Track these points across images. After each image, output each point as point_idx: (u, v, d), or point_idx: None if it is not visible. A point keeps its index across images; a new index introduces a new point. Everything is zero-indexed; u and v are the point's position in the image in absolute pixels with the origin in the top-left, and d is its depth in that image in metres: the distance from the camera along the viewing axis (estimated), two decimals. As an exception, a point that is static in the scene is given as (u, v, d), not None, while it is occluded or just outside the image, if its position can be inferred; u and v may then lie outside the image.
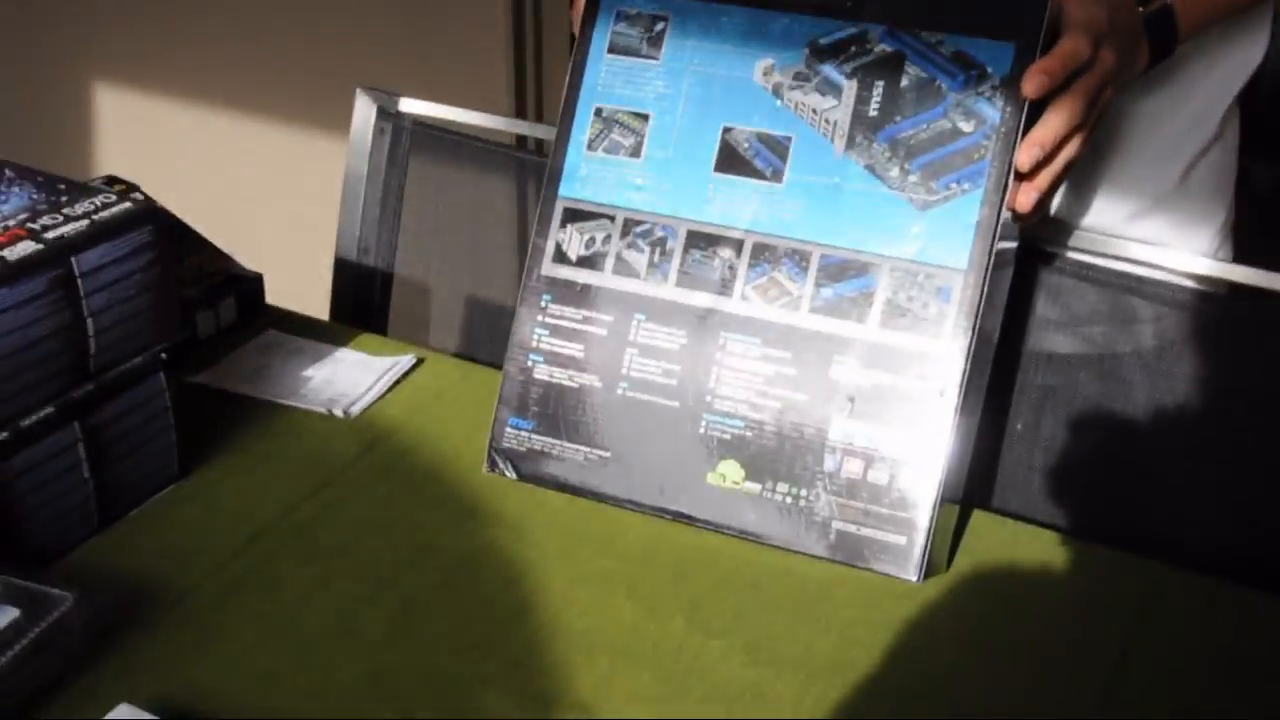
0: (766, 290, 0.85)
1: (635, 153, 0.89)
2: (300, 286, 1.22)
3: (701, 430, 0.86)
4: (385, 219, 1.21)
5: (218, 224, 1.19)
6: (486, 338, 1.22)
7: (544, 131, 1.29)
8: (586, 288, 0.90)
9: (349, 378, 1.05)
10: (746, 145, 0.87)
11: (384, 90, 1.20)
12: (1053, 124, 0.80)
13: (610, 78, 0.90)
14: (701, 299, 0.87)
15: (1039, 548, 0.88)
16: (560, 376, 0.90)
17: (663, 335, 0.87)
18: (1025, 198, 0.81)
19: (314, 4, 2.02)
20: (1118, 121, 0.95)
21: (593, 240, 0.89)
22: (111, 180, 1.11)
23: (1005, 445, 1.00)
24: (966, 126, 0.82)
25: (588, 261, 0.90)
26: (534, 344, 0.91)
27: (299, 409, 1.01)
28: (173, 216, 1.10)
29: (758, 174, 0.86)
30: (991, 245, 0.81)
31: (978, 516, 0.90)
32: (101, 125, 2.30)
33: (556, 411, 0.90)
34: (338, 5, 2.00)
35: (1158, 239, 0.98)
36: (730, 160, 0.87)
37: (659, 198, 0.89)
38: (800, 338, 0.85)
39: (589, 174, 0.91)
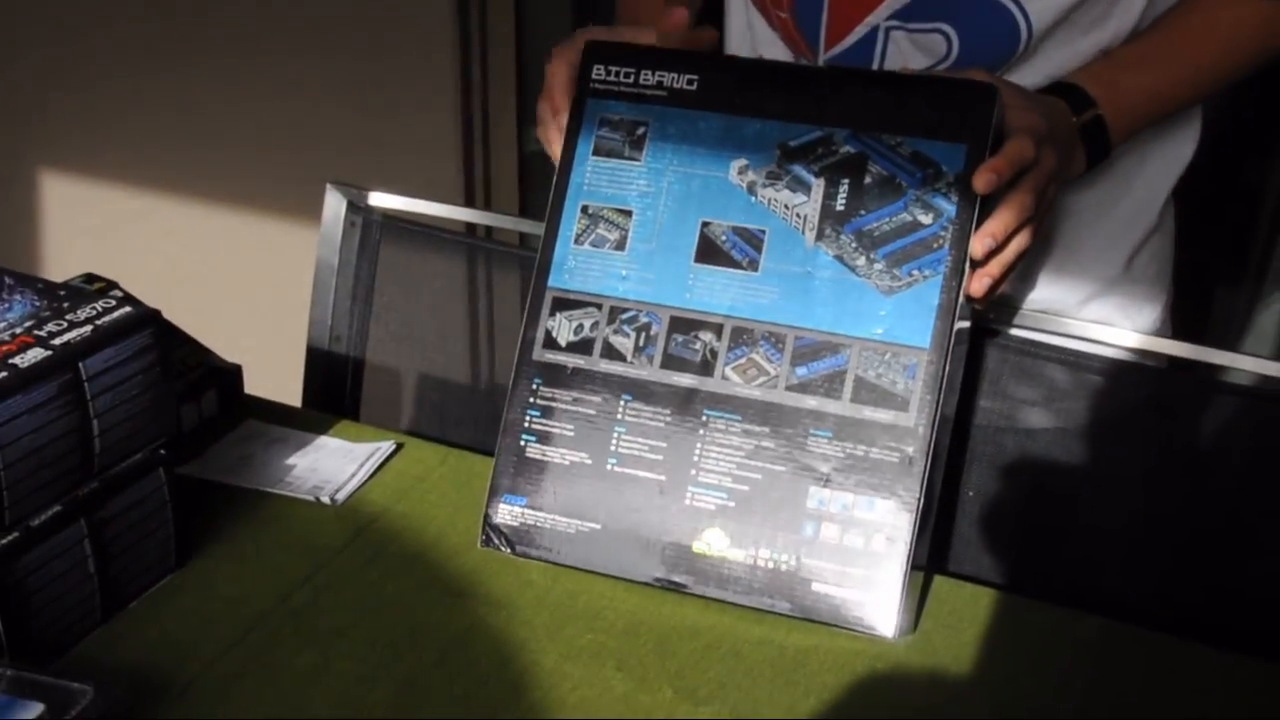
0: (745, 370, 0.92)
1: (620, 246, 0.96)
2: (268, 374, 1.26)
3: (687, 501, 0.92)
4: (356, 308, 1.26)
5: (188, 314, 1.23)
6: (459, 420, 1.27)
7: (494, 219, 1.35)
8: (576, 371, 0.95)
9: (332, 465, 1.08)
10: (724, 238, 0.94)
11: (352, 185, 1.25)
12: (1003, 217, 0.88)
13: (595, 178, 0.97)
14: (685, 379, 0.93)
15: (996, 608, 0.94)
16: (552, 455, 0.95)
17: (649, 414, 0.93)
18: (979, 284, 0.89)
19: (274, 99, 2.07)
20: (1065, 213, 1.03)
21: (581, 327, 0.95)
22: (91, 278, 1.14)
23: (958, 512, 1.06)
24: (925, 219, 0.89)
25: (576, 347, 0.96)
26: (526, 424, 0.96)
27: (286, 497, 1.05)
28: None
29: (735, 264, 0.93)
30: (952, 325, 0.88)
31: (937, 581, 0.96)
32: (67, 220, 2.34)
33: (548, 488, 0.95)
34: (295, 99, 2.05)
35: (1106, 320, 1.06)
36: (709, 252, 0.94)
37: (643, 287, 0.95)
38: (778, 413, 0.91)
39: (576, 266, 0.97)
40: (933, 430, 0.88)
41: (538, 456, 0.96)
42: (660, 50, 0.97)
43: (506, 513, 0.96)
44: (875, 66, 1.01)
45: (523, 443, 0.96)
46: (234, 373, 1.17)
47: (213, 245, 2.19)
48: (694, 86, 0.96)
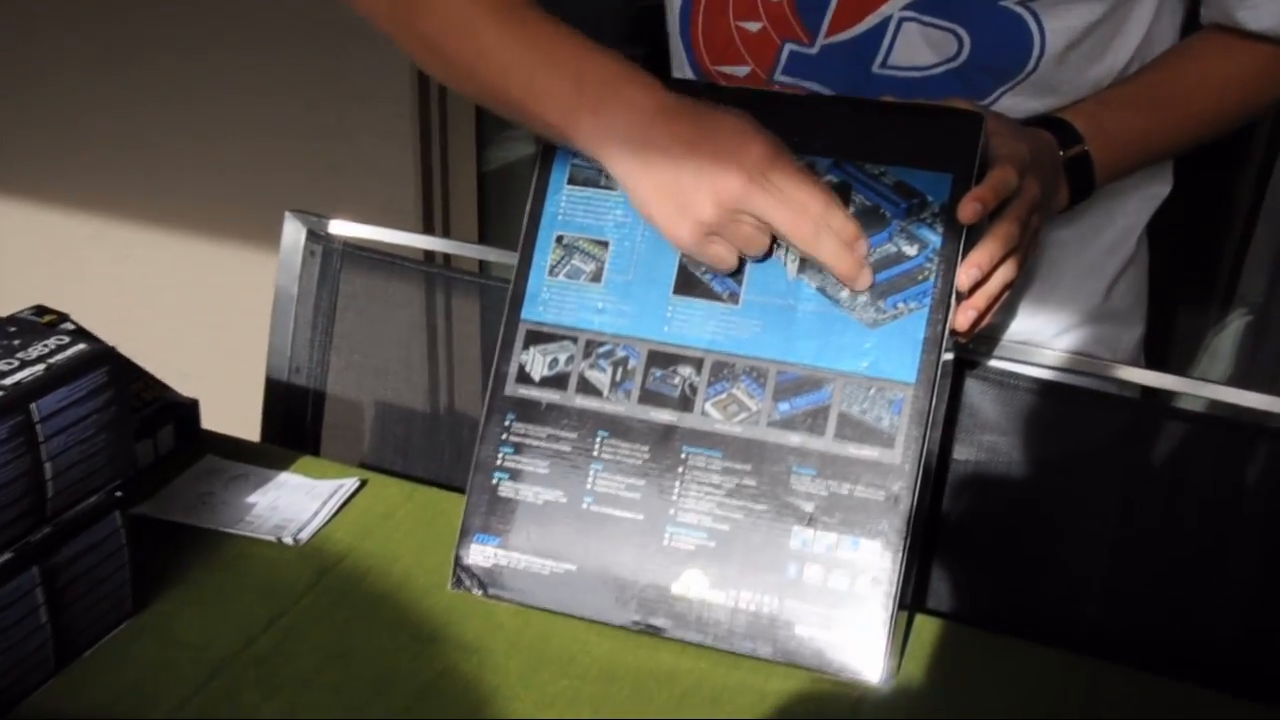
0: (726, 406, 0.89)
1: (596, 278, 0.93)
2: (227, 408, 1.22)
3: (665, 542, 0.89)
4: (316, 338, 1.23)
5: (143, 347, 1.20)
6: (423, 453, 1.24)
7: (457, 247, 1.32)
8: (550, 406, 0.93)
9: (294, 503, 1.05)
10: (703, 270, 0.91)
11: (311, 213, 1.22)
12: (989, 247, 0.86)
13: (570, 207, 0.94)
14: (663, 415, 0.90)
15: (981, 649, 0.92)
16: (525, 493, 0.92)
17: (625, 450, 0.90)
18: (964, 317, 0.87)
19: (230, 124, 2.04)
20: (1046, 244, 1.02)
21: (555, 361, 0.92)
22: (41, 310, 1.10)
23: (937, 546, 1.05)
24: (910, 250, 0.87)
25: (551, 381, 0.93)
26: (499, 461, 0.93)
27: (246, 537, 1.01)
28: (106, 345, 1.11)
29: (715, 296, 0.91)
30: (938, 359, 0.86)
31: (918, 619, 0.94)
32: (16, 248, 2.28)
33: (521, 527, 0.92)
34: (251, 123, 2.02)
35: (1085, 350, 1.05)
36: (688, 284, 0.91)
37: (620, 319, 0.92)
38: (760, 450, 0.88)
39: (550, 298, 0.94)
40: (919, 468, 0.86)
41: (510, 495, 0.93)
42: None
43: (478, 553, 0.93)
44: (880, 58, 0.98)
45: (495, 480, 0.93)
46: (191, 407, 1.14)
47: (168, 275, 2.14)
48: None
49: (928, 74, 0.97)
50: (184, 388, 1.15)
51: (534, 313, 0.94)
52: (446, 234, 2.00)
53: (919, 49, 0.96)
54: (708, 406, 0.90)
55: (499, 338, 0.95)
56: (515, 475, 0.93)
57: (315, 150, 1.97)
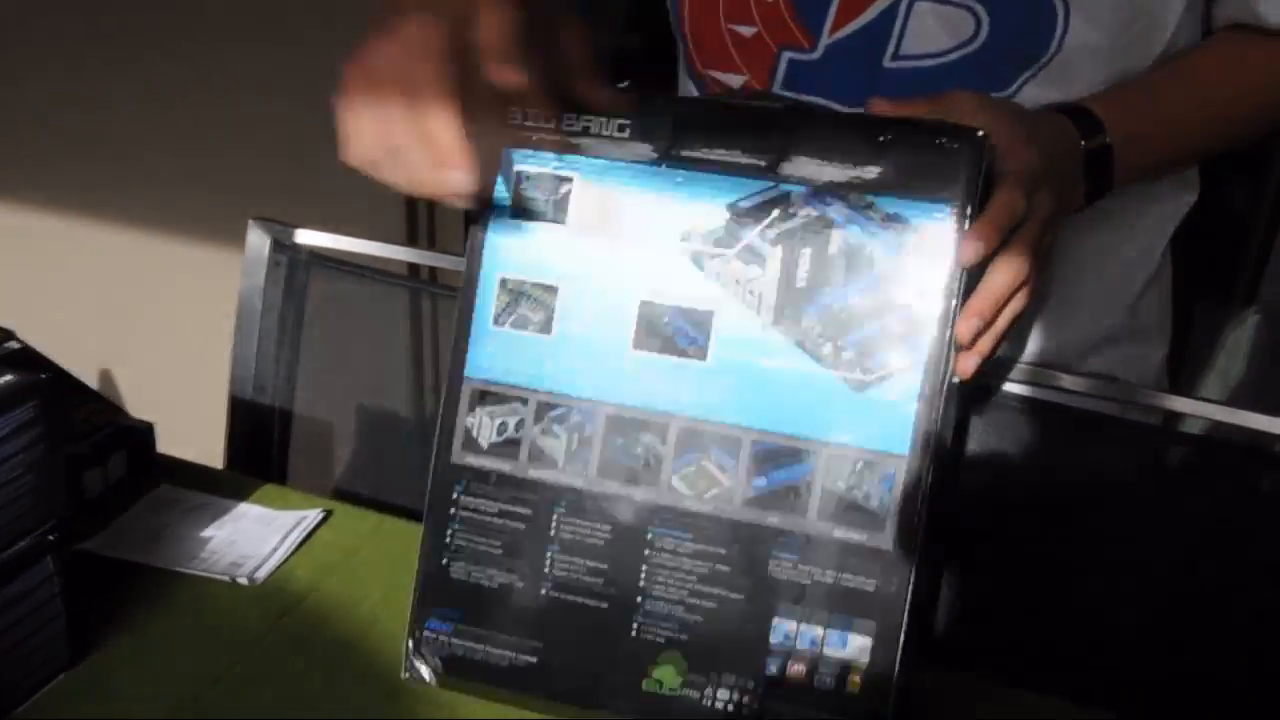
0: (695, 481, 0.79)
1: (545, 328, 0.81)
2: (187, 431, 1.15)
3: (634, 632, 0.79)
4: (282, 356, 1.15)
5: (95, 365, 1.12)
6: (396, 480, 1.16)
7: (434, 259, 1.23)
8: (501, 477, 0.82)
9: (252, 537, 0.98)
10: (666, 320, 0.79)
11: (278, 221, 1.14)
12: (993, 287, 0.75)
13: (514, 245, 0.82)
14: (626, 490, 0.80)
15: (995, 706, 0.84)
16: (478, 575, 0.82)
17: (585, 530, 0.80)
18: (967, 363, 0.76)
19: (199, 126, 1.95)
20: (1066, 260, 0.93)
21: (505, 425, 0.81)
22: (-18, 327, 1.03)
23: (945, 589, 0.97)
24: (902, 298, 0.75)
25: (500, 449, 0.82)
26: (447, 539, 0.83)
27: (199, 576, 0.94)
28: (52, 365, 1.03)
29: (679, 351, 0.79)
30: (936, 426, 0.75)
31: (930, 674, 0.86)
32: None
33: (477, 612, 0.82)
34: (223, 127, 1.93)
35: (1109, 373, 0.96)
36: (649, 336, 0.79)
37: (574, 378, 0.81)
38: (734, 531, 0.78)
39: (497, 351, 0.82)
40: (915, 552, 0.75)
41: (462, 577, 0.82)
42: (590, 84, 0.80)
43: (431, 639, 0.83)
44: (891, 47, 0.89)
45: (445, 560, 0.83)
46: (146, 431, 1.06)
47: (124, 287, 2.04)
48: (625, 134, 0.79)
49: (942, 61, 0.89)
50: (142, 410, 1.07)
51: (479, 369, 0.82)
52: (432, 245, 1.92)
53: (933, 33, 0.88)
54: (675, 480, 0.79)
55: (442, 395, 0.83)
56: (466, 555, 0.82)
57: (291, 152, 1.89)
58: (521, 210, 0.81)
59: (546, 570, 0.80)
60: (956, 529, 0.92)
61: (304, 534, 0.98)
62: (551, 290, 0.81)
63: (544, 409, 0.81)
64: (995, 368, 0.94)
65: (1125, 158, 0.86)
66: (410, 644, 0.83)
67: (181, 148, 1.96)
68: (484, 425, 0.82)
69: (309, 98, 1.88)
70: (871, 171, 0.75)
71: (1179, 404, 0.93)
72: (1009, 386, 0.95)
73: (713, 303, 0.78)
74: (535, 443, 0.81)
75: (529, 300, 0.81)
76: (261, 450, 1.16)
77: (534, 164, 0.81)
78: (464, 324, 0.83)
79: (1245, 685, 0.91)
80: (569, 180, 0.81)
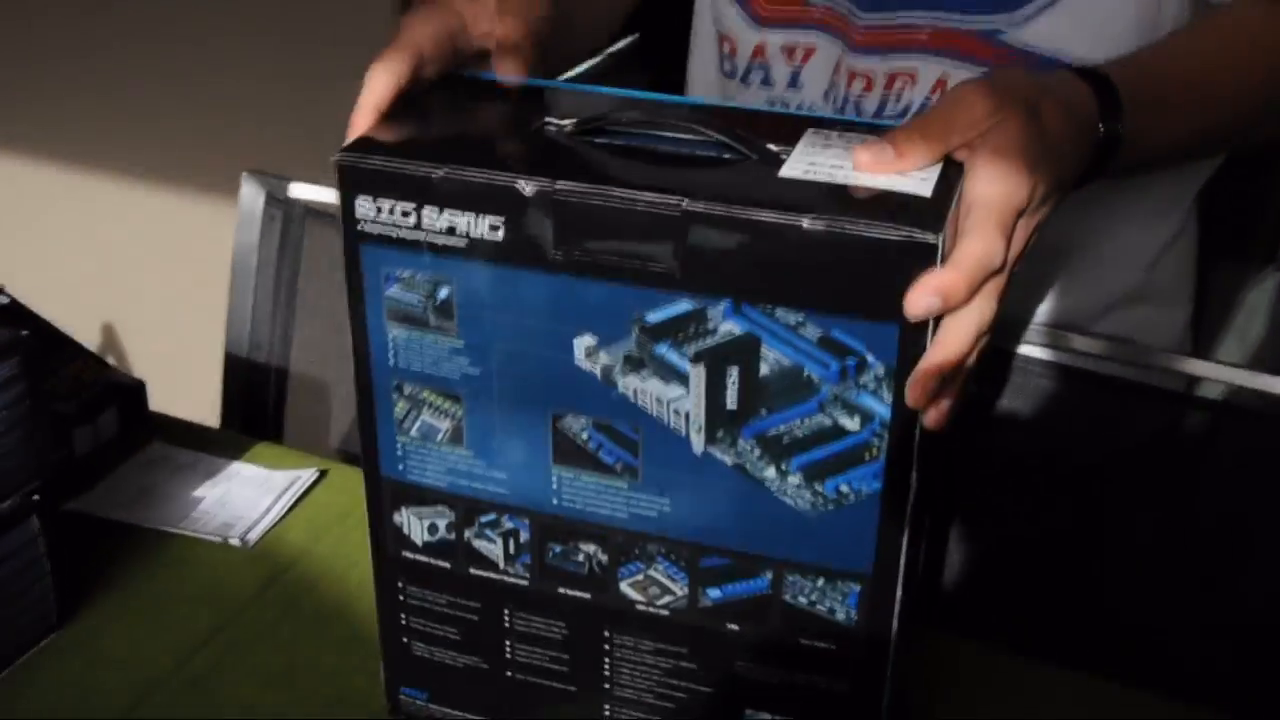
0: (646, 588, 0.71)
1: (457, 439, 0.71)
2: (183, 389, 1.13)
3: (607, 715, 0.75)
4: (278, 313, 1.13)
5: (86, 321, 1.10)
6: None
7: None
8: (443, 573, 0.74)
9: (245, 498, 0.96)
10: (586, 437, 0.68)
11: (272, 174, 1.12)
12: (946, 344, 0.60)
13: (402, 351, 0.69)
14: (576, 593, 0.72)
15: (999, 671, 0.82)
16: (442, 656, 0.77)
17: (540, 624, 0.74)
18: (935, 416, 0.63)
19: (197, 81, 1.91)
20: (1081, 218, 0.89)
21: (435, 526, 0.74)
22: (-29, 281, 1.01)
23: (952, 557, 0.95)
24: (850, 424, 0.64)
25: (436, 548, 0.74)
26: (403, 623, 0.77)
27: (190, 537, 0.92)
28: (42, 321, 1.01)
29: (607, 469, 0.69)
30: (901, 543, 0.66)
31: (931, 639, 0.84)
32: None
33: (447, 687, 0.78)
34: (219, 77, 1.90)
35: (1128, 335, 0.93)
36: (569, 454, 0.69)
37: (498, 486, 0.71)
38: (695, 635, 0.71)
39: (410, 452, 0.72)
40: (890, 661, 0.68)
41: (425, 656, 0.78)
42: (449, 172, 0.64)
43: (409, 704, 0.79)
44: None
45: (405, 641, 0.78)
46: (137, 389, 1.04)
47: (116, 241, 2.00)
48: (500, 233, 0.64)
49: None
50: (136, 367, 1.05)
51: (393, 469, 0.73)
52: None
53: None
54: (624, 586, 0.71)
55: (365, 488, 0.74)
56: (425, 638, 0.77)
57: (286, 101, 1.85)
58: (399, 314, 0.69)
59: (509, 657, 0.75)
60: (967, 493, 0.90)
61: (298, 494, 0.96)
62: (455, 399, 0.70)
63: (472, 513, 0.72)
64: (1007, 328, 0.91)
65: (1129, 158, 0.74)
66: (391, 704, 0.80)
67: (168, 97, 1.92)
68: (413, 525, 0.74)
69: (307, 47, 1.85)
70: (803, 283, 0.62)
71: (1196, 366, 0.89)
72: (1022, 348, 0.92)
73: (635, 420, 0.67)
74: (470, 544, 0.73)
75: (432, 409, 0.70)
76: (257, 409, 1.14)
77: (401, 266, 0.67)
78: (368, 424, 0.73)
79: (1263, 650, 0.89)
80: (446, 283, 0.67)
